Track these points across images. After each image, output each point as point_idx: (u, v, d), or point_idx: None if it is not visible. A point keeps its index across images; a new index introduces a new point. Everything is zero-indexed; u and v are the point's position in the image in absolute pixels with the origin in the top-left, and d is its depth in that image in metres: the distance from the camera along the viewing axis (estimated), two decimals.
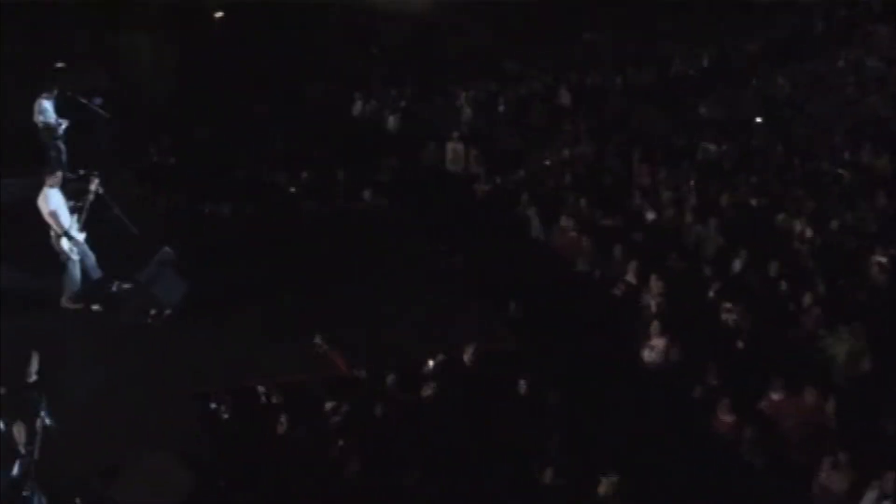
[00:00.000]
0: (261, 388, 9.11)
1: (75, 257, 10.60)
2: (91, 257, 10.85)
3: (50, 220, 10.41)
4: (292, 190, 14.41)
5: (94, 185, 10.64)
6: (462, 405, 9.24)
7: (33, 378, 6.84)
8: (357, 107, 17.52)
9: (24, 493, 6.52)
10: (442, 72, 19.23)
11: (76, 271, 10.69)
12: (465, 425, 8.94)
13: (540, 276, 12.15)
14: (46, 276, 10.90)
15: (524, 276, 12.01)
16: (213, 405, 8.93)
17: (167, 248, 11.08)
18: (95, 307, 10.76)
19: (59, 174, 10.72)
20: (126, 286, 10.94)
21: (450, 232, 13.25)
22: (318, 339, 9.85)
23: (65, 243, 10.49)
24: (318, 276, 11.57)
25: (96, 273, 10.95)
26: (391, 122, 17.13)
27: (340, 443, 8.49)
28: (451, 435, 8.83)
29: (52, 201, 10.42)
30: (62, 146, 13.40)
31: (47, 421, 6.69)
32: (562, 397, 9.34)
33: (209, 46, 18.08)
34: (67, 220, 10.50)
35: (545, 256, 12.90)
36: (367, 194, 14.29)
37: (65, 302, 10.77)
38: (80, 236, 10.67)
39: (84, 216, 10.60)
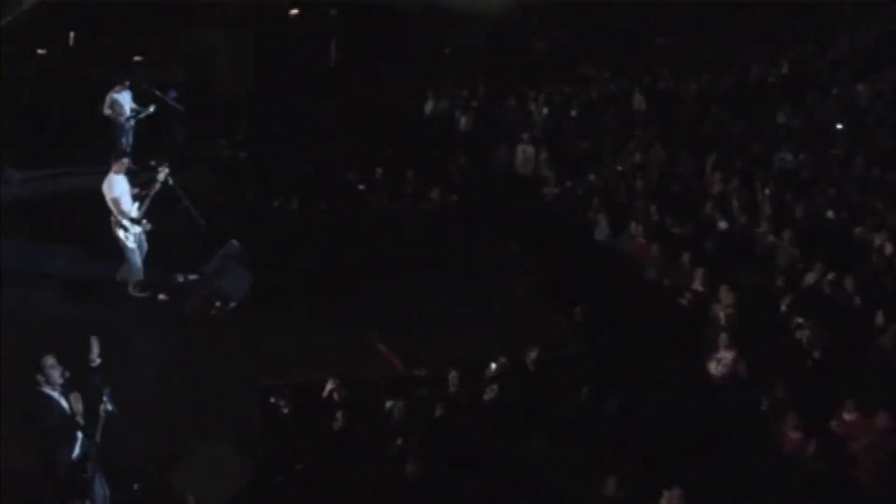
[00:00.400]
0: (321, 383, 9.10)
1: (131, 245, 10.71)
2: (143, 249, 10.94)
3: (112, 206, 10.55)
4: (361, 187, 14.40)
5: (161, 176, 10.73)
6: (523, 410, 9.13)
7: (96, 363, 6.90)
8: (429, 106, 17.51)
9: (85, 475, 6.64)
10: (514, 73, 19.08)
11: (136, 259, 10.83)
12: (525, 430, 8.82)
13: (607, 281, 11.96)
14: (116, 263, 11.09)
15: (591, 281, 11.85)
16: (272, 398, 8.97)
17: (234, 242, 11.20)
18: (162, 297, 10.89)
19: (125, 161, 10.83)
20: (192, 278, 11.09)
21: (518, 234, 13.14)
22: (380, 346, 9.76)
23: (121, 231, 10.64)
24: (383, 273, 11.57)
25: (142, 268, 11.05)
26: (462, 122, 17.08)
27: (399, 442, 8.44)
28: (511, 440, 8.73)
29: (116, 188, 10.57)
30: (132, 138, 13.65)
31: (109, 406, 6.77)
32: (625, 406, 9.15)
33: (284, 43, 18.23)
34: (129, 208, 10.61)
35: (613, 262, 12.70)
36: (435, 194, 14.26)
37: (132, 290, 10.93)
38: (142, 226, 10.78)
39: (146, 206, 10.69)
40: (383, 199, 14.23)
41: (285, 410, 8.86)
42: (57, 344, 7.18)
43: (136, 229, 10.69)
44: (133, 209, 10.65)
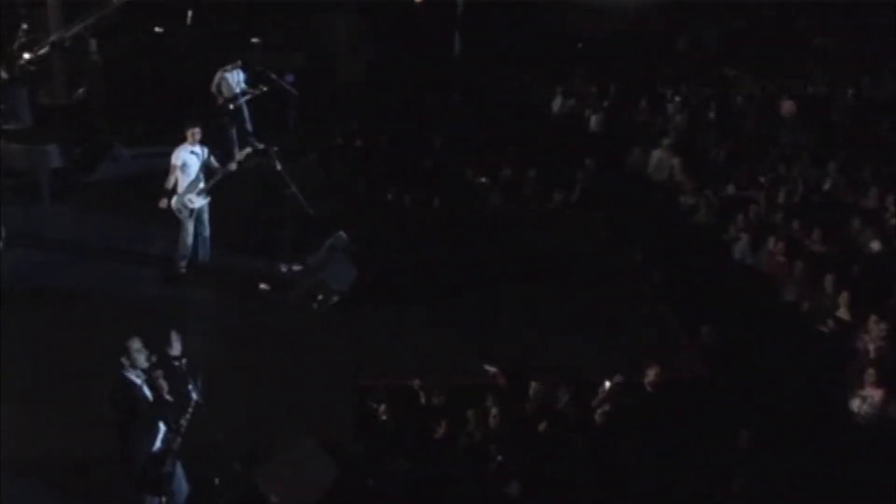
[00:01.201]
0: (420, 388, 8.98)
1: (187, 220, 10.80)
2: (204, 231, 11.05)
3: (170, 174, 10.67)
4: (482, 180, 14.18)
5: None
6: (638, 433, 8.71)
7: (177, 352, 6.84)
8: (557, 103, 17.20)
9: (164, 470, 6.61)
10: (651, 71, 18.52)
11: (186, 235, 10.92)
12: (639, 456, 8.44)
13: (741, 301, 11.40)
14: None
15: (723, 299, 11.32)
16: (368, 399, 8.88)
17: (341, 233, 11.13)
18: (263, 286, 10.93)
19: (197, 131, 10.89)
20: (296, 268, 11.08)
21: (645, 244, 12.70)
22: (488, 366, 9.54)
23: (175, 202, 10.72)
24: (496, 276, 11.39)
25: (205, 249, 11.21)
26: (592, 121, 16.69)
27: (500, 458, 8.19)
28: (624, 464, 8.39)
29: (181, 156, 10.73)
30: (240, 118, 13.82)
31: (194, 396, 6.73)
32: (752, 439, 8.62)
33: (407, 32, 18.23)
34: (191, 178, 10.70)
35: (749, 280, 12.10)
36: (558, 195, 13.94)
37: (173, 271, 11.06)
38: (202, 201, 10.85)
39: (213, 182, 10.78)
40: (502, 198, 13.98)
41: (381, 413, 8.72)
42: (149, 327, 7.24)
43: (196, 203, 10.77)
44: (198, 182, 10.73)
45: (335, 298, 10.63)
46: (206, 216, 11.04)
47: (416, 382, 9.03)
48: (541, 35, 18.77)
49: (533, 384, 9.13)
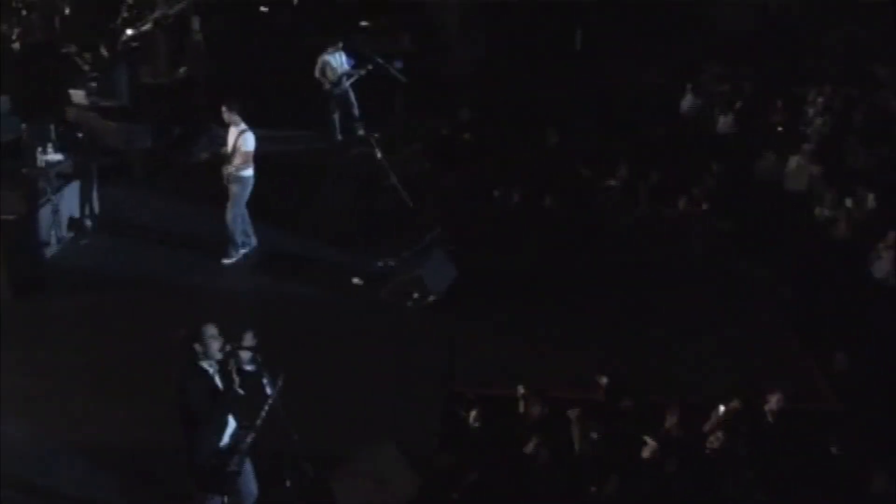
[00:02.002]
0: (516, 398, 8.72)
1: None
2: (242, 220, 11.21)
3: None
4: (611, 183, 13.81)
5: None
6: (753, 466, 8.26)
7: (253, 344, 6.73)
8: (685, 101, 16.70)
9: (230, 468, 6.49)
10: (790, 70, 17.80)
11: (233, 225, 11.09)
12: (751, 491, 8.00)
13: (881, 327, 10.73)
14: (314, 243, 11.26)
15: (860, 323, 10.70)
16: (458, 408, 8.68)
17: (442, 230, 11.17)
18: (356, 281, 10.90)
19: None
20: (391, 264, 11.07)
21: (774, 258, 12.17)
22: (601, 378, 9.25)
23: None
24: (607, 284, 11.23)
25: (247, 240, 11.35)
26: (721, 122, 16.12)
27: (595, 479, 7.90)
28: (733, 498, 7.97)
29: (251, 143, 10.97)
30: (344, 103, 13.83)
31: (269, 391, 6.62)
32: (887, 484, 8.05)
33: (525, 22, 17.98)
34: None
35: (891, 304, 11.39)
36: (681, 201, 13.46)
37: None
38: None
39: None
40: (620, 201, 13.59)
41: (471, 423, 8.49)
42: (229, 317, 7.20)
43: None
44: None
45: (431, 298, 10.59)
46: (228, 203, 11.25)
47: (512, 392, 8.80)
48: (670, 28, 18.27)
49: (639, 402, 8.82)
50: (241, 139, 11.01)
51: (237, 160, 11.04)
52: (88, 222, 12.09)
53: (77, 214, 12.03)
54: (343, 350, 9.67)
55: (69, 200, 11.92)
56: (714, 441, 8.42)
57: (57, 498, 7.61)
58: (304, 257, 11.43)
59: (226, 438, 6.52)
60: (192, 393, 6.35)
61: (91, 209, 12.37)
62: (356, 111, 14.18)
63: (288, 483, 7.06)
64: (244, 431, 6.58)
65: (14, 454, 7.92)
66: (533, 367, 9.44)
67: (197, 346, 6.46)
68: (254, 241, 11.61)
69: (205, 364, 6.49)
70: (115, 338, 9.82)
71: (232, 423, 6.57)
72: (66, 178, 11.86)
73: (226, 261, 11.33)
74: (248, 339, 6.70)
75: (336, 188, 12.32)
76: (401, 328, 10.19)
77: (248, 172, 11.13)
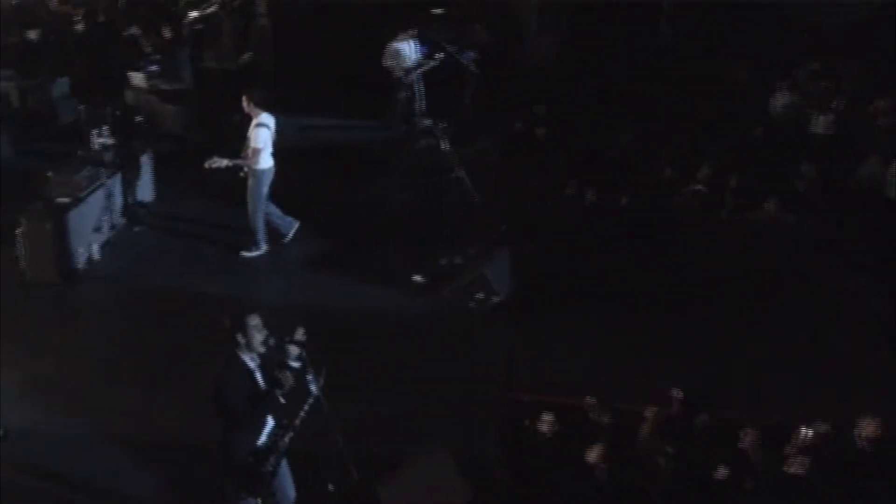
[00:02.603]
0: (581, 408, 8.55)
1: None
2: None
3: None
4: (700, 188, 13.50)
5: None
6: (840, 496, 7.85)
7: (299, 338, 6.60)
8: (778, 99, 16.23)
9: (265, 468, 6.35)
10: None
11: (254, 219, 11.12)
12: None
13: None
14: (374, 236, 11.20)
15: None
16: (518, 416, 8.52)
17: (509, 227, 11.09)
18: (417, 278, 10.83)
19: (243, 98, 10.92)
20: (456, 261, 10.99)
21: (872, 269, 11.72)
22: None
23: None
24: (684, 291, 10.92)
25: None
26: (819, 123, 15.62)
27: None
28: None
29: (262, 138, 10.89)
30: (413, 93, 13.73)
31: (313, 389, 6.47)
32: None
33: (606, 15, 17.69)
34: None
35: None
36: (770, 205, 13.07)
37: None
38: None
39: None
40: (702, 202, 13.27)
41: (531, 432, 8.32)
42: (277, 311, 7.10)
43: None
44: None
45: (495, 299, 10.48)
46: (248, 197, 11.15)
47: (577, 401, 8.63)
48: (762, 22, 17.80)
49: (707, 420, 8.56)
50: (254, 133, 10.95)
51: (246, 154, 10.99)
52: (143, 209, 12.13)
53: (132, 201, 12.07)
54: (398, 350, 9.59)
55: (124, 185, 11.98)
56: (796, 465, 8.07)
57: (91, 491, 7.64)
58: (363, 252, 11.40)
59: (263, 437, 6.38)
60: (230, 387, 6.22)
61: (146, 196, 12.43)
62: (423, 102, 14.06)
63: (331, 487, 6.92)
64: (282, 430, 6.43)
65: (52, 445, 8.01)
66: (601, 377, 9.26)
67: (239, 337, 6.33)
68: (292, 227, 11.59)
69: (246, 357, 6.36)
70: (160, 329, 9.89)
71: (270, 422, 6.42)
72: (121, 163, 11.91)
73: (245, 253, 11.36)
74: (299, 335, 6.55)
75: (399, 180, 12.22)
76: (461, 329, 10.08)
77: (263, 166, 11.07)
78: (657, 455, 8.09)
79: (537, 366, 9.43)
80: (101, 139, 11.76)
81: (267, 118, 11.05)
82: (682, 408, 8.76)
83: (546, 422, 8.30)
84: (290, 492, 6.80)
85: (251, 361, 6.38)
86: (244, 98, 11.04)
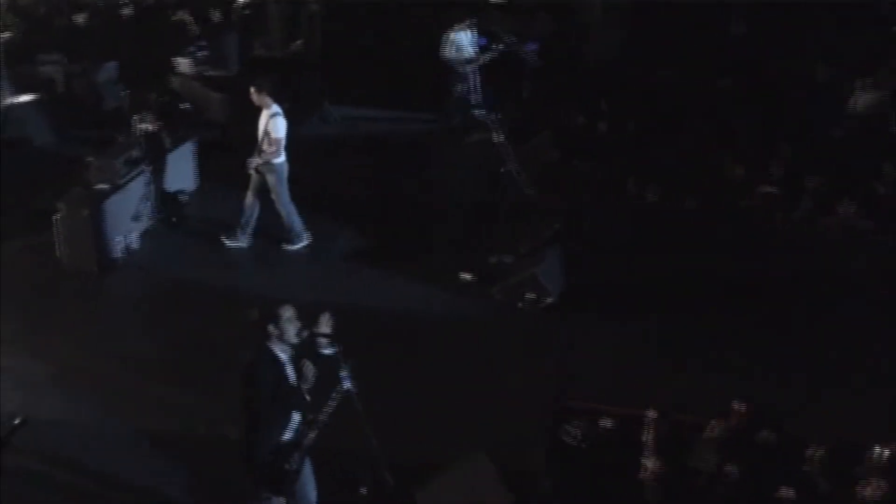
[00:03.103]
0: (636, 418, 8.21)
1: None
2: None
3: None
4: (770, 190, 13.19)
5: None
6: None
7: (329, 331, 6.46)
8: (858, 98, 15.83)
9: (288, 466, 6.23)
10: None
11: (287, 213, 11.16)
12: None
13: None
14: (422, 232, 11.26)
15: None
16: (565, 425, 8.18)
17: (562, 226, 10.96)
18: (465, 276, 10.77)
19: (253, 90, 10.91)
20: (506, 259, 10.89)
21: None
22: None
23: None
24: (751, 298, 10.66)
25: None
26: None
27: None
28: None
29: (283, 128, 10.85)
30: (472, 85, 13.63)
31: (346, 385, 6.32)
32: None
33: (675, 7, 17.42)
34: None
35: None
36: (847, 209, 12.73)
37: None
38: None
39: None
40: (772, 206, 12.97)
41: (579, 443, 8.07)
42: (313, 307, 6.98)
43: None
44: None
45: (548, 300, 10.35)
46: (273, 196, 11.09)
47: (632, 411, 8.31)
48: (843, 17, 17.40)
49: (777, 433, 8.18)
50: (272, 124, 10.82)
51: (267, 147, 10.88)
52: (183, 198, 12.10)
53: (172, 189, 12.07)
54: (443, 350, 9.50)
55: (165, 173, 11.96)
56: (869, 489, 7.77)
57: (114, 486, 7.64)
58: (409, 248, 11.36)
59: (288, 433, 6.24)
60: (259, 378, 6.10)
61: (188, 185, 12.42)
62: (478, 94, 13.94)
63: (364, 491, 6.82)
64: (308, 426, 6.30)
65: (80, 437, 8.06)
66: (656, 385, 9.05)
67: (271, 329, 6.20)
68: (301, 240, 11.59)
69: (277, 349, 6.24)
70: (196, 323, 9.92)
71: (296, 417, 6.29)
72: (163, 150, 11.90)
73: (288, 246, 11.37)
74: (325, 323, 6.41)
75: (450, 174, 12.12)
76: (510, 331, 9.95)
77: (281, 159, 10.99)
78: (715, 472, 7.82)
79: (589, 371, 9.24)
80: (142, 125, 11.77)
81: (278, 108, 10.95)
82: (744, 422, 8.44)
83: (597, 431, 8.11)
84: (312, 494, 6.65)
85: (282, 353, 6.26)
86: (254, 89, 10.90)
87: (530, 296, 10.31)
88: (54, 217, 10.69)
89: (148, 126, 11.79)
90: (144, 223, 11.63)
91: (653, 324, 10.17)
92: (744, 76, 16.16)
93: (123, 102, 13.07)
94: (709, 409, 8.39)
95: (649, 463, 7.73)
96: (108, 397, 8.65)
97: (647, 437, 8.17)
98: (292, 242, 11.36)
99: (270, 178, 10.98)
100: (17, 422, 7.31)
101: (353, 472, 6.93)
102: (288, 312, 6.28)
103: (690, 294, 10.71)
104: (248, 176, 11.10)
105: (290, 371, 6.26)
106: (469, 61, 13.84)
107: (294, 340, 6.28)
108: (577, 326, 9.91)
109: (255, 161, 10.94)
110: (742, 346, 9.87)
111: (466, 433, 8.10)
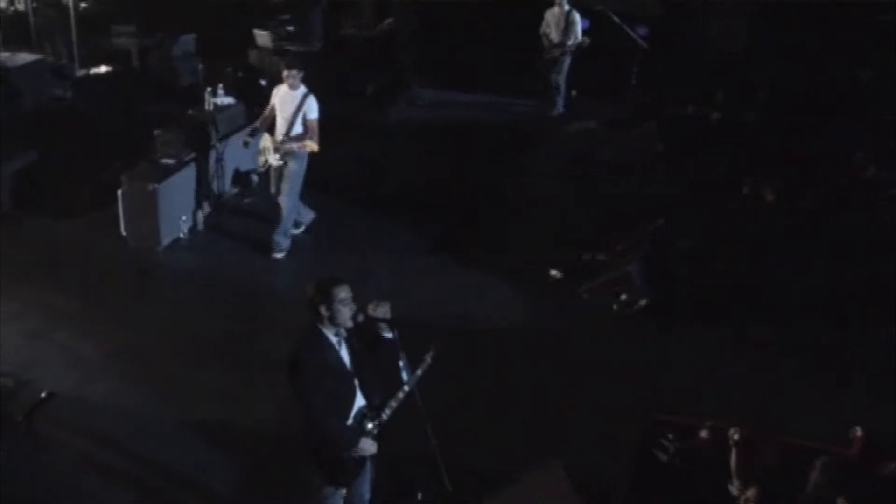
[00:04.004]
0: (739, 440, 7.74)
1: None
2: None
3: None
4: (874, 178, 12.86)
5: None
6: None
7: (387, 316, 6.19)
8: None
9: (351, 456, 5.97)
10: None
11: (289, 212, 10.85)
12: None
13: None
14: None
15: None
16: (661, 440, 7.85)
17: (663, 222, 10.72)
18: (554, 273, 10.60)
19: (294, 73, 10.46)
20: (599, 258, 10.73)
21: None
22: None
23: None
24: (869, 310, 10.25)
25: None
26: None
27: None
28: None
29: (276, 93, 10.67)
30: (558, 70, 13.49)
31: (405, 377, 6.02)
32: None
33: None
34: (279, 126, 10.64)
35: None
36: None
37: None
38: (275, 162, 10.62)
39: None
40: None
41: (671, 459, 7.76)
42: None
43: (271, 160, 10.62)
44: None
45: (643, 303, 10.11)
46: (285, 185, 10.68)
47: (727, 426, 7.78)
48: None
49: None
50: (306, 104, 10.45)
51: (298, 130, 10.51)
52: (255, 178, 11.99)
53: (244, 168, 11.96)
54: (523, 350, 9.27)
55: (237, 151, 11.84)
56: None
57: (166, 475, 7.55)
58: (497, 239, 11.23)
59: (350, 419, 5.98)
60: (308, 362, 5.82)
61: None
62: (561, 79, 13.70)
63: (420, 496, 6.61)
64: (369, 416, 6.05)
65: (132, 426, 8.01)
66: (762, 404, 8.69)
67: (323, 310, 5.92)
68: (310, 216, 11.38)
69: (329, 332, 5.96)
70: (258, 311, 9.89)
71: (356, 405, 6.01)
72: (235, 126, 11.80)
73: (277, 255, 10.90)
74: (383, 311, 6.12)
75: (544, 164, 11.88)
76: (599, 334, 9.69)
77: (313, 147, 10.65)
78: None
79: (683, 382, 8.94)
80: (215, 99, 11.68)
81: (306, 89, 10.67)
82: (863, 451, 8.02)
83: (688, 447, 7.78)
84: (366, 493, 6.38)
85: (334, 337, 5.98)
86: (285, 69, 10.54)
87: (623, 296, 10.06)
88: (118, 191, 10.67)
89: (220, 100, 11.70)
90: (213, 202, 11.54)
91: (759, 332, 9.80)
92: (887, 68, 15.61)
93: (199, 77, 13.04)
94: (822, 433, 7.96)
95: (748, 492, 7.32)
96: (163, 381, 8.60)
97: (733, 459, 7.84)
98: (280, 248, 10.90)
99: (292, 166, 10.55)
100: (43, 395, 7.30)
101: (410, 475, 6.75)
102: (343, 293, 5.98)
103: (803, 302, 10.38)
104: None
105: (344, 357, 5.98)
106: (570, 45, 13.62)
107: (349, 323, 6.00)
108: (675, 333, 9.65)
109: (283, 146, 10.59)
110: (862, 360, 9.42)
111: (542, 442, 7.86)
